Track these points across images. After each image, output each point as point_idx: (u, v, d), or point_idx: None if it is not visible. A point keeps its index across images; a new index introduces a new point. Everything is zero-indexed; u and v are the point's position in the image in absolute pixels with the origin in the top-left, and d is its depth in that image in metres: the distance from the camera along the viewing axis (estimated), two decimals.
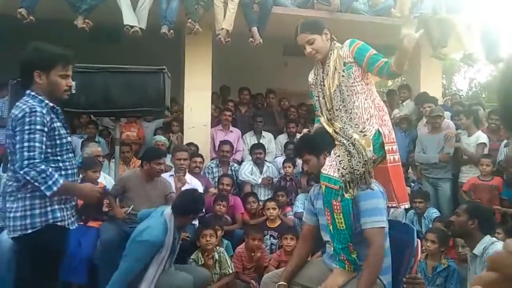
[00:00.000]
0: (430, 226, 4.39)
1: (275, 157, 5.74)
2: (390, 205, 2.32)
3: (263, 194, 5.17)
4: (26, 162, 2.08)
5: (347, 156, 2.08)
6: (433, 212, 4.59)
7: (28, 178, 2.10)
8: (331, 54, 2.31)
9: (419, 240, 2.30)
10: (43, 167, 2.11)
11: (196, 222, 4.33)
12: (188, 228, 4.17)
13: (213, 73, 5.82)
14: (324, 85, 2.32)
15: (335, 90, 2.26)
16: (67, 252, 2.50)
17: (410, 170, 5.56)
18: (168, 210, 3.11)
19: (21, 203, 2.18)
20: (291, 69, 8.26)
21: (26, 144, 2.09)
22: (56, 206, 2.23)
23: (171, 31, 4.99)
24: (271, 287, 2.24)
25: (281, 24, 5.58)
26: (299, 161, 4.96)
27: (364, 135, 2.15)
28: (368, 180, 2.06)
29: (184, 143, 5.45)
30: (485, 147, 4.98)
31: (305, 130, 2.51)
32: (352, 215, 2.06)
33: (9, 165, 2.27)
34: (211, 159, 5.56)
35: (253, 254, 3.89)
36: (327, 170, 2.11)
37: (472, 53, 5.87)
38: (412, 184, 5.41)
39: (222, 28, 5.12)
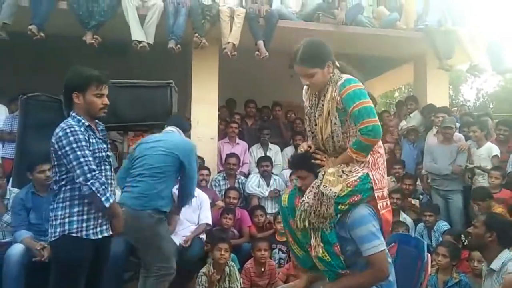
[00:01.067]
0: (440, 239, 4.34)
1: (282, 170, 5.73)
2: None
3: (270, 207, 5.15)
4: (89, 175, 2.29)
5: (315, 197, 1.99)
6: (443, 225, 4.53)
7: (93, 189, 2.30)
8: (327, 89, 2.07)
9: (429, 255, 2.27)
10: (103, 179, 2.35)
11: (203, 236, 4.32)
12: (195, 242, 4.17)
13: (219, 86, 5.86)
14: (316, 125, 2.13)
15: (327, 138, 2.09)
16: (101, 264, 2.55)
17: (418, 182, 5.51)
18: None
19: (52, 213, 2.41)
20: (297, 81, 8.25)
21: (82, 159, 2.29)
22: (75, 218, 2.37)
23: (178, 45, 5.05)
24: None
25: (287, 37, 5.62)
26: None
27: (341, 176, 1.99)
28: (328, 217, 1.94)
29: None
30: (498, 159, 4.94)
31: (305, 146, 2.25)
32: (335, 247, 1.96)
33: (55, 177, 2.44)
34: (218, 172, 5.57)
35: (263, 269, 3.86)
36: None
37: (477, 64, 5.87)
38: (421, 197, 5.36)
39: (229, 42, 5.17)
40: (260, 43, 5.29)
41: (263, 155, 5.69)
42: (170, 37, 5.02)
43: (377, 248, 1.90)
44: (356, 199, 1.95)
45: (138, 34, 4.90)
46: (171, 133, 3.40)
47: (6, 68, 6.58)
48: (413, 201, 5.09)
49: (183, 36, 5.11)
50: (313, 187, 2.01)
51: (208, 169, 5.03)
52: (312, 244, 1.99)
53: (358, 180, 1.96)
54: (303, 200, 2.00)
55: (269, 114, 6.64)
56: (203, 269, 3.71)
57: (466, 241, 3.84)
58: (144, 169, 3.17)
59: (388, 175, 5.64)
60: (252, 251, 3.97)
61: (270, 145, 5.90)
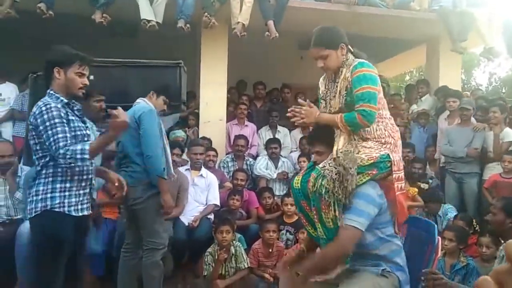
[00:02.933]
0: (445, 223, 4.33)
1: (291, 152, 5.72)
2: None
3: (278, 189, 5.16)
4: (57, 153, 2.30)
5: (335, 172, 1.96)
6: (449, 208, 4.50)
7: (67, 162, 2.33)
8: (341, 72, 2.09)
9: (439, 238, 2.25)
10: (68, 151, 2.30)
11: (211, 217, 4.36)
12: (203, 222, 4.21)
13: (228, 67, 5.81)
14: (331, 106, 2.14)
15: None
16: (80, 241, 2.54)
17: (428, 166, 5.47)
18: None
19: (33, 189, 2.40)
20: (307, 62, 8.19)
21: (51, 138, 2.30)
22: (57, 194, 2.37)
23: (188, 25, 5.00)
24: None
25: (297, 18, 5.54)
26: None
27: (360, 150, 2.00)
28: (346, 195, 1.92)
29: (200, 137, 5.47)
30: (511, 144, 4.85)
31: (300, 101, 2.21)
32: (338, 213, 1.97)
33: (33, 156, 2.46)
34: (226, 154, 5.57)
35: (270, 250, 3.88)
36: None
37: (493, 47, 5.74)
38: (430, 181, 5.31)
39: (238, 22, 5.10)
40: (270, 23, 5.21)
41: (272, 137, 5.67)
42: (180, 17, 4.96)
43: (355, 223, 1.89)
44: (374, 172, 1.98)
45: (147, 13, 4.85)
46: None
47: (15, 47, 6.57)
48: (422, 185, 5.06)
49: (192, 16, 5.05)
50: (332, 159, 2.00)
51: (215, 150, 5.03)
52: (330, 217, 1.97)
53: (378, 157, 1.99)
54: (324, 167, 1.98)
55: (278, 96, 6.59)
56: (209, 249, 3.75)
57: (478, 226, 3.82)
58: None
59: None
60: (260, 232, 4.00)
61: (279, 128, 5.87)
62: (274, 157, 5.29)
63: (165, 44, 6.08)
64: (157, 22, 4.88)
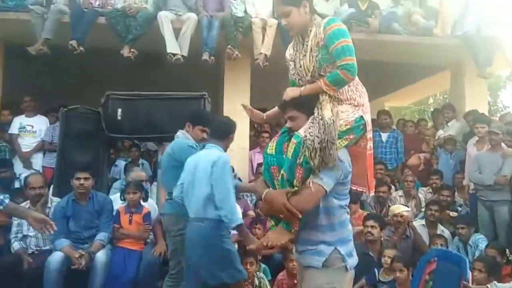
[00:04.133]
0: (477, 253, 4.16)
1: None
2: (361, 189, 2.30)
3: None
4: None
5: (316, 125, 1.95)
6: (479, 238, 4.33)
7: None
8: (310, 31, 2.08)
9: (470, 273, 2.17)
10: None
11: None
12: None
13: (251, 96, 5.89)
14: (301, 67, 2.11)
15: (312, 76, 2.06)
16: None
17: (456, 193, 5.32)
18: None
19: None
20: None
21: None
22: None
23: (212, 57, 5.13)
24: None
25: None
26: None
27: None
28: (327, 159, 1.90)
29: None
30: None
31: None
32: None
33: None
34: (249, 182, 5.57)
35: (295, 281, 3.81)
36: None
37: None
38: (459, 208, 5.15)
39: (261, 53, 5.21)
40: None
41: None
42: (204, 49, 5.11)
43: (321, 181, 1.90)
44: (351, 137, 2.01)
45: (173, 46, 5.02)
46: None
47: (47, 81, 6.89)
48: (451, 214, 4.91)
49: (216, 48, 5.19)
50: (312, 123, 1.97)
51: (239, 179, 5.04)
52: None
53: (354, 120, 2.01)
54: (306, 136, 1.93)
55: None
56: None
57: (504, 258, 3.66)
58: None
59: (424, 186, 5.54)
60: (284, 262, 3.94)
61: None
62: None
63: (190, 75, 6.24)
64: (182, 55, 5.03)
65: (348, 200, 2.09)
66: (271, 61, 5.25)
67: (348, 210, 2.11)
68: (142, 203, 4.04)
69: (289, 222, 2.00)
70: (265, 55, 5.21)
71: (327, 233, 2.00)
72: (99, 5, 5.38)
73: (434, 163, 5.90)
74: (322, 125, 1.91)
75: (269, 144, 2.19)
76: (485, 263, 3.39)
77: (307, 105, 2.03)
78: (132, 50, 5.04)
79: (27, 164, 5.25)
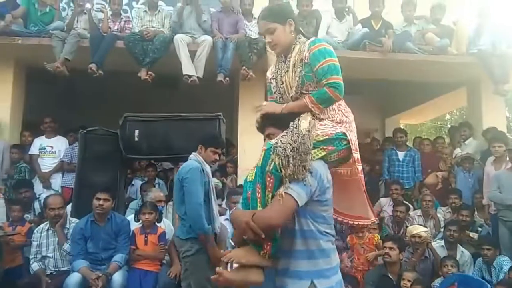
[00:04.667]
0: (501, 275, 4.04)
1: None
2: (367, 222, 2.14)
3: None
4: None
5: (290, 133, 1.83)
6: (504, 260, 4.21)
7: None
8: (293, 48, 2.02)
9: None
10: None
11: None
12: None
13: None
14: (282, 83, 2.04)
15: (296, 92, 1.99)
16: None
17: (476, 213, 5.20)
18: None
19: None
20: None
21: None
22: None
23: (227, 78, 5.20)
24: None
25: None
26: None
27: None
28: (299, 169, 1.73)
29: (238, 185, 5.52)
30: None
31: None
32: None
33: None
34: None
35: None
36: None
37: None
38: (479, 229, 5.03)
39: None
40: None
41: None
42: (219, 71, 5.19)
43: (294, 193, 1.69)
44: (330, 148, 1.86)
45: (188, 69, 5.11)
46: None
47: (67, 103, 7.06)
48: (471, 234, 4.80)
49: (231, 69, 5.26)
50: (286, 132, 1.85)
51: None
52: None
53: (334, 133, 1.89)
54: (276, 143, 1.79)
55: None
56: None
57: None
58: None
59: (443, 206, 5.44)
60: None
61: None
62: None
63: (205, 95, 6.33)
64: (198, 77, 5.12)
65: (331, 227, 1.86)
66: None
67: (333, 239, 1.87)
68: (156, 223, 4.07)
69: (257, 243, 1.73)
70: None
71: (303, 261, 1.76)
72: (117, 29, 5.54)
73: (452, 182, 5.80)
74: (296, 133, 1.80)
75: (250, 172, 1.93)
76: (507, 287, 3.30)
77: (286, 122, 1.90)
78: (149, 72, 5.15)
79: (47, 184, 5.35)
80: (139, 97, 6.41)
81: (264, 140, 1.99)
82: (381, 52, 5.54)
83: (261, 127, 2.05)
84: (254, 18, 5.82)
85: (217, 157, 3.47)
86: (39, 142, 5.53)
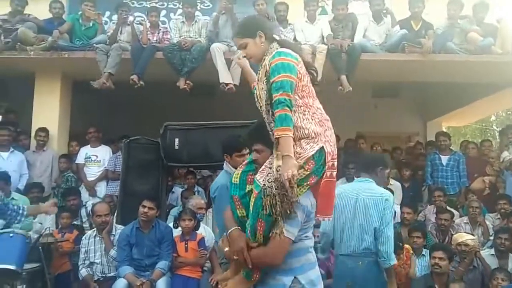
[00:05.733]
0: None
1: None
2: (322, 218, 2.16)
3: None
4: None
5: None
6: None
7: None
8: (264, 59, 2.04)
9: None
10: None
11: None
12: None
13: None
14: (256, 95, 2.10)
15: (264, 107, 2.00)
16: None
17: None
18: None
19: None
20: (381, 111, 8.06)
21: None
22: None
23: None
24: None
25: (370, 68, 5.55)
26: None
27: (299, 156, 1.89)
28: (287, 206, 1.83)
29: None
30: None
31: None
32: None
33: None
34: None
35: None
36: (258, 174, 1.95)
37: None
38: None
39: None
40: (343, 78, 5.27)
41: None
42: None
43: (289, 234, 1.87)
44: (313, 180, 1.91)
45: (225, 77, 5.18)
46: None
47: (110, 113, 7.33)
48: None
49: None
50: (270, 168, 1.90)
51: None
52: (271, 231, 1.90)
53: (313, 163, 1.90)
54: (265, 185, 1.87)
55: (353, 147, 6.49)
56: None
57: None
58: None
59: (492, 212, 5.20)
60: None
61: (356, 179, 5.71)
62: None
63: (242, 103, 6.37)
64: (234, 85, 5.17)
65: (310, 230, 2.02)
66: (321, 85, 5.24)
67: (312, 239, 2.05)
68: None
69: (248, 271, 1.94)
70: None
71: (285, 261, 1.93)
72: (156, 40, 5.71)
73: (500, 187, 5.54)
74: (272, 175, 1.87)
75: (235, 172, 2.16)
76: None
77: (271, 140, 1.98)
78: (187, 82, 5.26)
79: (92, 192, 5.56)
80: (179, 106, 6.54)
81: (249, 153, 2.14)
82: (420, 54, 5.39)
83: (250, 141, 2.17)
84: (289, 24, 5.83)
85: (245, 158, 3.44)
86: (85, 151, 5.76)
